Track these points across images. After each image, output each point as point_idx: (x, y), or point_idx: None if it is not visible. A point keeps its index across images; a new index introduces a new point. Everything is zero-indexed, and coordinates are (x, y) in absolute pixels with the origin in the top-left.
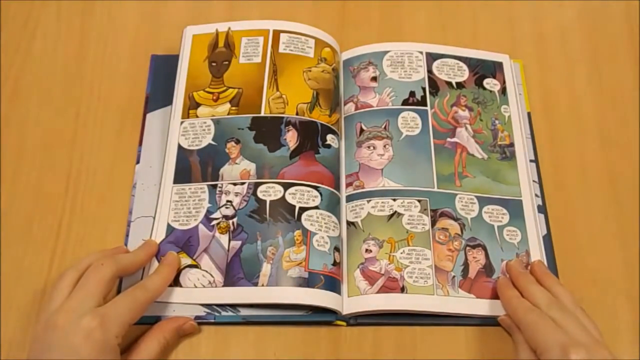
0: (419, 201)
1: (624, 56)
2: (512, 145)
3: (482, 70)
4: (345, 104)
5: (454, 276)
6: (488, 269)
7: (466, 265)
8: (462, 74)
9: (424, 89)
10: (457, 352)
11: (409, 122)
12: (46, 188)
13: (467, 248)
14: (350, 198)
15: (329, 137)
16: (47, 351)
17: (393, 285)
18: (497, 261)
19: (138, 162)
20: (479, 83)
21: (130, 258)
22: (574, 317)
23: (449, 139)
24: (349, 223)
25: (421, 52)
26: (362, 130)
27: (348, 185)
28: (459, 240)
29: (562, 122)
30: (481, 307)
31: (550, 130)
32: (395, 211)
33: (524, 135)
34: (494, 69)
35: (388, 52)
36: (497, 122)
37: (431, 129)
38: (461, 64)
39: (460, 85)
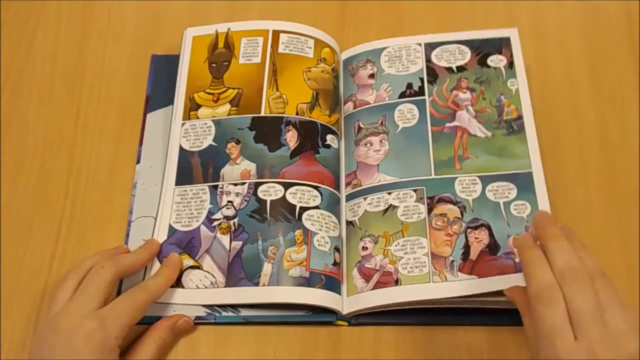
0: (414, 191)
1: (624, 56)
2: (520, 117)
3: (485, 49)
4: (345, 104)
5: (452, 261)
6: (492, 248)
7: (467, 248)
8: (464, 56)
9: (421, 79)
10: (457, 352)
11: (406, 114)
12: (46, 188)
13: (468, 230)
14: (349, 197)
15: (329, 137)
16: (48, 353)
17: (387, 280)
18: (503, 238)
19: (138, 162)
20: (482, 62)
21: (131, 258)
22: (590, 295)
23: (448, 124)
24: (348, 222)
25: (420, 44)
26: (359, 129)
27: (347, 184)
28: (458, 223)
29: (562, 122)
30: (484, 285)
31: (550, 131)
32: (390, 204)
33: (533, 107)
34: (500, 46)
35: (386, 48)
36: (502, 97)
37: (429, 117)
38: (462, 47)
39: (461, 68)
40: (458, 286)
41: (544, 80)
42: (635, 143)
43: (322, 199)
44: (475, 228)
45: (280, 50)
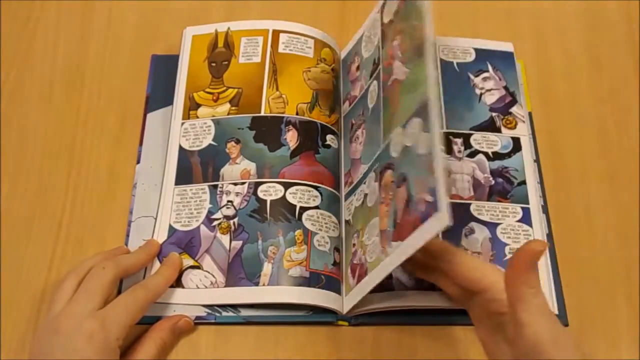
0: (374, 171)
1: (624, 56)
2: (422, 40)
3: None
4: (343, 103)
5: (389, 231)
6: (409, 202)
7: (396, 212)
8: None
9: (379, 48)
10: (457, 352)
11: (372, 93)
12: (46, 188)
13: (396, 190)
14: (346, 197)
15: (329, 137)
16: (49, 354)
17: (362, 272)
18: (412, 184)
19: (138, 162)
20: None
21: (131, 259)
22: None
23: (389, 83)
24: (346, 222)
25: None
26: (352, 126)
27: (345, 184)
28: (392, 188)
29: (563, 122)
30: (402, 251)
31: (550, 131)
32: (365, 194)
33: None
34: None
35: (364, 33)
36: (415, 23)
37: (381, 85)
38: None
39: (396, 13)
40: (391, 261)
41: (544, 81)
42: (636, 143)
43: (322, 199)
44: (398, 187)
45: (280, 50)
